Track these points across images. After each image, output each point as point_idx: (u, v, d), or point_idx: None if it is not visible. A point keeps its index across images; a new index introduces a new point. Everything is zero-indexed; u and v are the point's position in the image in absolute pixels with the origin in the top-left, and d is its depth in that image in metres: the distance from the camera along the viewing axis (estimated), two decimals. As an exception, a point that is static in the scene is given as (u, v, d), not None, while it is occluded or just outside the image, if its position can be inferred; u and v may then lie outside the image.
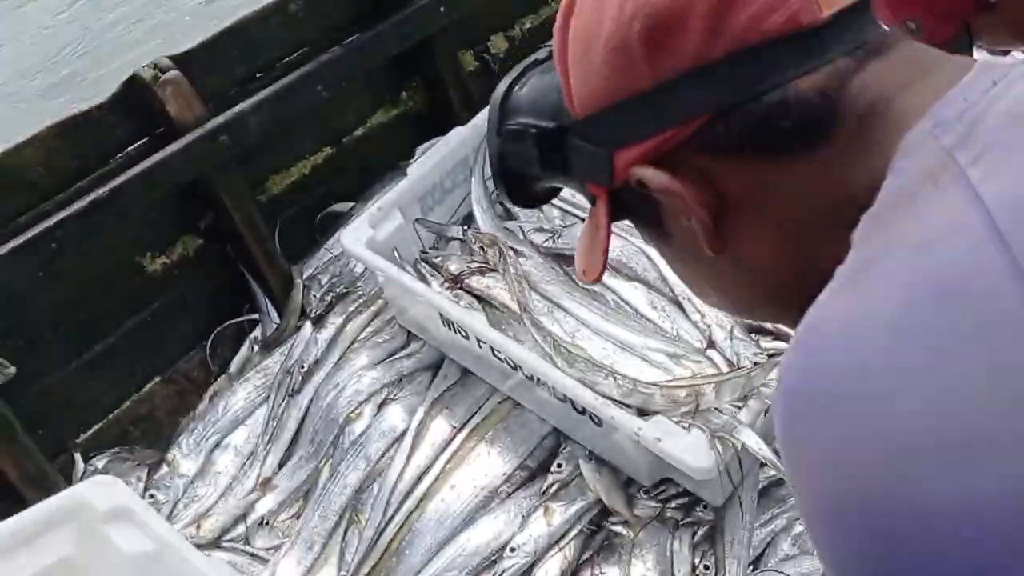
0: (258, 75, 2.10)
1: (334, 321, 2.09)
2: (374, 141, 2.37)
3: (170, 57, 1.92)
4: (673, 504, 1.74)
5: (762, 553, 1.68)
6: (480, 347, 1.80)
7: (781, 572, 1.60)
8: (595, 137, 0.69)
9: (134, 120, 1.90)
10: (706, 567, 1.66)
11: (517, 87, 0.78)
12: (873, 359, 0.50)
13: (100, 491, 1.38)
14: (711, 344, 1.83)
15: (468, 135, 2.08)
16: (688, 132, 0.63)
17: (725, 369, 1.74)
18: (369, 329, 2.09)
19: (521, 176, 0.78)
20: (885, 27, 0.64)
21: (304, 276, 2.19)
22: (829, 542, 0.52)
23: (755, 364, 1.66)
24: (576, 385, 1.61)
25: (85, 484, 1.40)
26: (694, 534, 1.70)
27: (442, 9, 2.26)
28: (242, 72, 2.06)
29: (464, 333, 1.82)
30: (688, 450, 1.48)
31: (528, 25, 2.67)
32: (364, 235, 1.89)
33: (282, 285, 2.13)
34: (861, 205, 0.58)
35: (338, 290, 2.13)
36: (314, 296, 2.13)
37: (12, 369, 1.71)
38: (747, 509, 1.69)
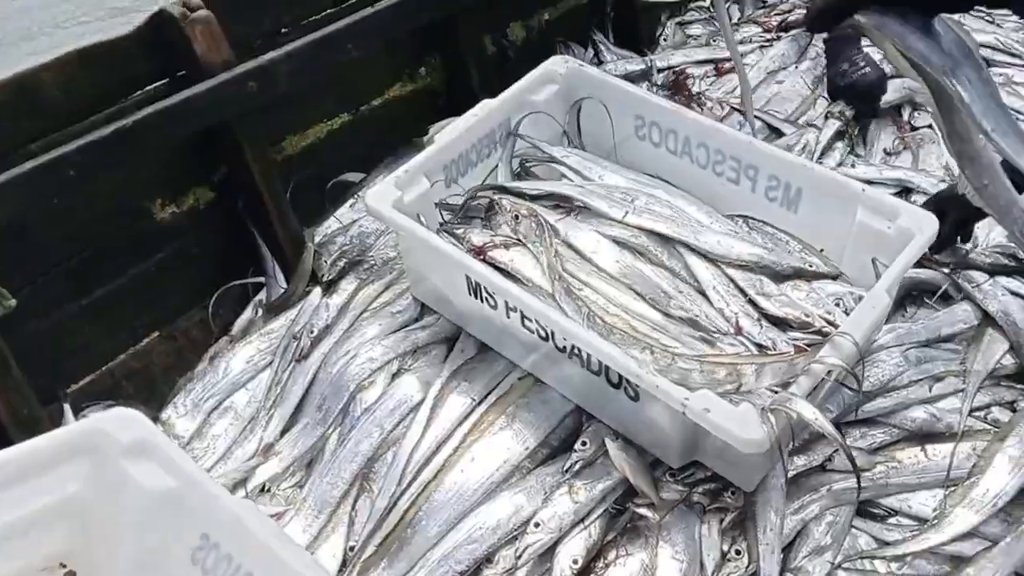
0: (284, 30, 2.03)
1: (346, 288, 2.01)
2: (390, 114, 2.31)
3: (200, -3, 1.84)
4: (700, 489, 1.69)
5: (793, 541, 1.64)
6: (508, 316, 1.74)
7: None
8: None
9: (158, 56, 1.81)
10: (737, 552, 1.60)
11: None
12: None
13: (120, 424, 1.27)
14: (739, 330, 1.79)
15: (496, 108, 2.03)
16: None
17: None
18: (381, 299, 2.01)
19: None
20: None
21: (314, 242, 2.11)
22: None
23: (802, 349, 1.62)
24: (619, 353, 1.55)
25: (103, 415, 1.29)
26: (722, 520, 1.65)
27: (474, -14, 2.23)
28: (270, 24, 1.99)
29: (492, 301, 1.75)
30: (738, 422, 1.42)
31: (546, 17, 2.65)
32: (390, 196, 1.82)
33: (293, 248, 2.04)
34: None
35: (351, 257, 2.05)
36: (325, 262, 2.04)
37: (12, 301, 1.59)
38: (779, 494, 1.65)
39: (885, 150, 2.41)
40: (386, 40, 2.15)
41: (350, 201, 2.24)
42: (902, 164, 2.36)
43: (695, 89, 2.62)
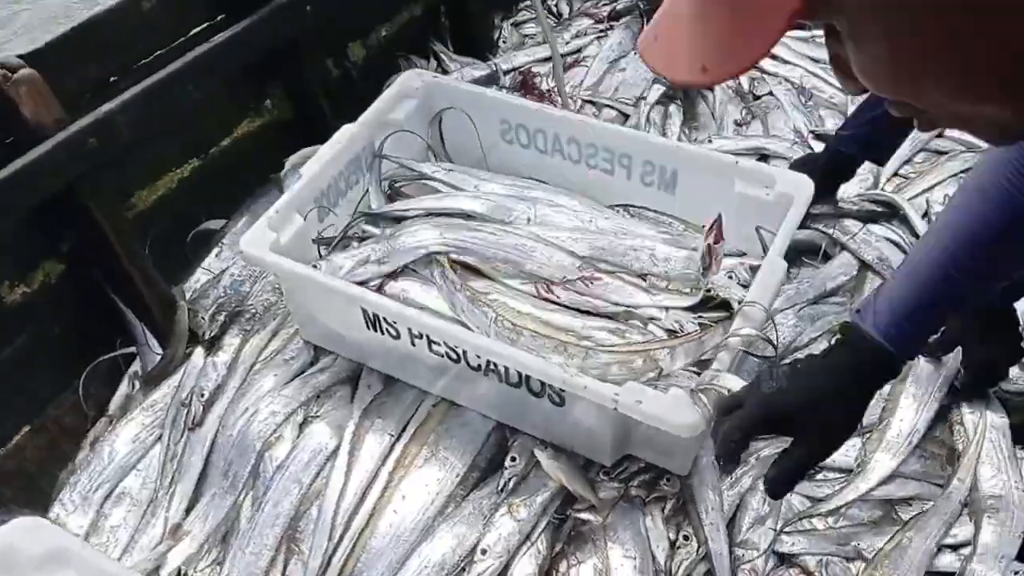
0: (113, 78, 1.88)
1: (231, 342, 1.88)
2: (242, 152, 2.19)
3: (19, 56, 1.67)
4: (635, 482, 1.67)
5: (734, 516, 1.65)
6: (414, 344, 1.67)
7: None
8: None
9: (-19, 127, 1.63)
10: (685, 537, 1.60)
11: None
12: None
13: (27, 534, 1.13)
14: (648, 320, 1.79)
15: (358, 132, 1.95)
16: None
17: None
18: (270, 348, 1.89)
19: None
20: None
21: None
22: None
23: (705, 327, 1.63)
24: (540, 361, 1.51)
25: (5, 529, 1.14)
26: (663, 508, 1.65)
27: (308, 8, 2.13)
28: (97, 73, 1.83)
29: (394, 331, 1.67)
30: (671, 408, 1.42)
31: (384, 33, 2.59)
32: (266, 239, 1.71)
33: (162, 309, 1.88)
34: None
35: (229, 309, 1.92)
36: (202, 318, 1.90)
37: None
38: (712, 473, 1.66)
39: (736, 121, 2.49)
40: (226, 76, 2.03)
41: (215, 249, 2.10)
42: (755, 133, 2.44)
43: (544, 87, 2.62)
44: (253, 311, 1.95)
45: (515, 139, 2.03)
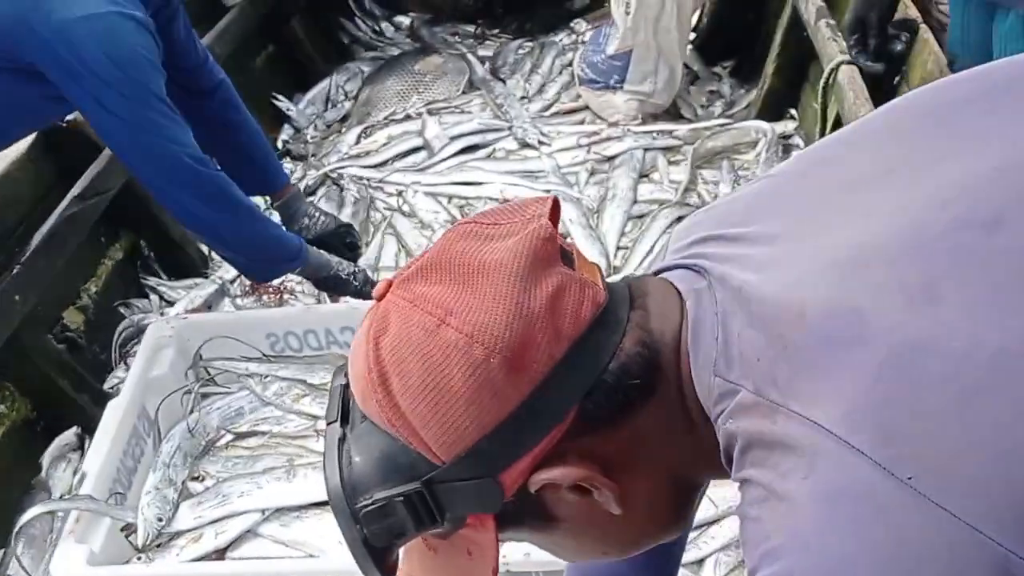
0: None
1: None
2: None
3: None
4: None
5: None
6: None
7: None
8: (474, 471, 0.70)
9: None
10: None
11: (346, 468, 0.73)
12: None
13: None
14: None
15: (128, 406, 1.82)
16: (568, 423, 0.70)
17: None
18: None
19: (388, 547, 0.75)
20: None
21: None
22: None
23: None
24: None
25: None
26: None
27: (17, 297, 1.98)
28: None
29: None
30: None
31: (94, 289, 2.45)
32: (80, 556, 1.55)
33: None
34: (705, 418, 0.71)
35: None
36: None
37: None
38: None
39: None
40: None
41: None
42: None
43: (275, 281, 2.61)
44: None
45: (286, 347, 2.00)
